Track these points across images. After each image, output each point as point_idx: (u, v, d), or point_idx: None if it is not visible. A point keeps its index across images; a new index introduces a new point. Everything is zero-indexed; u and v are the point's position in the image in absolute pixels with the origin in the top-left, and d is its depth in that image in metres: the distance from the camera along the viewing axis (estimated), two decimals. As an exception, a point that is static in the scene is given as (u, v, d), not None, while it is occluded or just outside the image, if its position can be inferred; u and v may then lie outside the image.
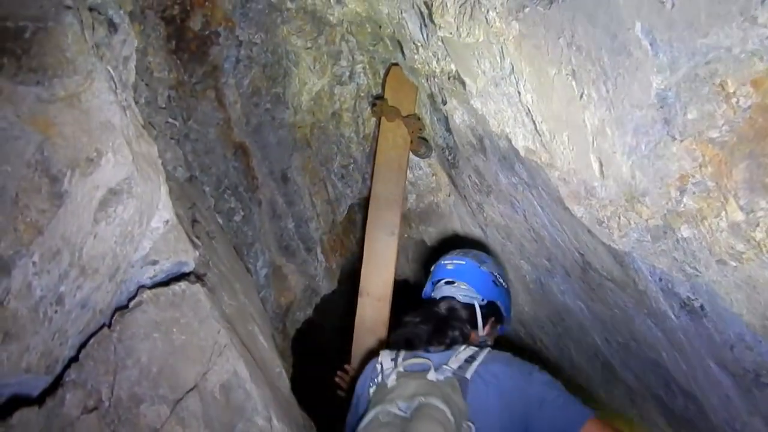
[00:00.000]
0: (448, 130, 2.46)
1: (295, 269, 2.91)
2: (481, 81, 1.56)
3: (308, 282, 3.04)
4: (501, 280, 2.08)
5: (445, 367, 1.71)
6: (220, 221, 2.42)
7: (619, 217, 1.39)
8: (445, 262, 2.10)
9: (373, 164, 2.51)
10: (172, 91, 2.05)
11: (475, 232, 2.70)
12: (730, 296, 1.27)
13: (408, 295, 2.80)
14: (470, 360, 1.72)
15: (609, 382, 2.34)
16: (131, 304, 1.48)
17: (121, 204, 1.26)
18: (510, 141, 1.62)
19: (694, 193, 1.08)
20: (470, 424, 1.56)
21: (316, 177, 2.81)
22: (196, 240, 1.79)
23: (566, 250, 2.03)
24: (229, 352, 1.51)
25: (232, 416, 1.44)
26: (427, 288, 2.16)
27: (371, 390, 1.79)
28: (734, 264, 1.16)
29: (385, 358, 1.85)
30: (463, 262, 2.06)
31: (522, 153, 1.59)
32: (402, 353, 1.83)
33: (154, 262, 1.53)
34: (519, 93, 1.41)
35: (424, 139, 2.52)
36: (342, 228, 3.28)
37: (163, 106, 1.96)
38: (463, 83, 1.72)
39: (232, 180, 2.52)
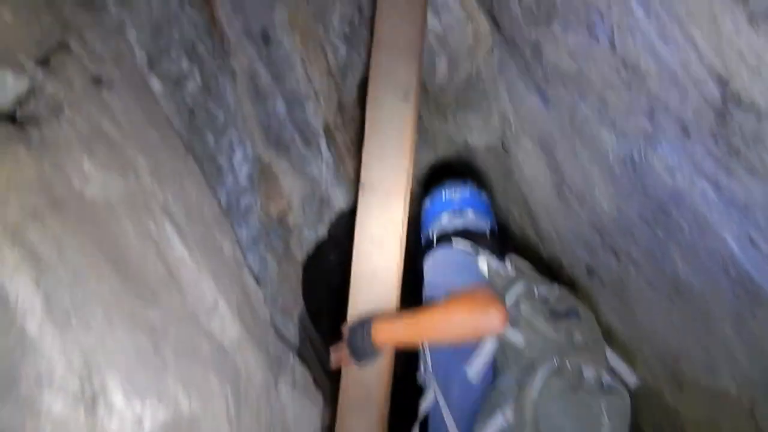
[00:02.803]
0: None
1: (290, 168, 2.08)
2: None
3: (310, 187, 2.21)
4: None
5: None
6: (158, 86, 1.60)
7: None
8: (447, 193, 2.08)
9: (375, -7, 1.61)
10: None
11: (530, 101, 1.77)
12: None
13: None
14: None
15: (744, 320, 1.42)
16: None
17: None
18: None
19: None
20: None
21: (309, 37, 1.94)
22: (30, 67, 0.98)
23: (690, 82, 1.11)
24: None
25: None
26: (428, 221, 2.09)
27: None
28: None
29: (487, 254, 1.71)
30: (467, 192, 2.07)
31: None
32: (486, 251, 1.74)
33: None
34: None
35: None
36: (358, 117, 2.41)
37: None
38: None
39: (185, 34, 1.69)
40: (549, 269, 2.51)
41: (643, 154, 1.41)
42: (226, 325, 1.20)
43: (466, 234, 1.88)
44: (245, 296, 1.48)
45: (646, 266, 1.72)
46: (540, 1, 1.38)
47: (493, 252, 1.77)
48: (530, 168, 2.08)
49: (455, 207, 1.99)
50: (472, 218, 1.96)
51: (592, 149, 1.59)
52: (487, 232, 1.97)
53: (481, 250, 1.72)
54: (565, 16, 1.33)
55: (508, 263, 1.66)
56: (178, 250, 1.18)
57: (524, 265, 1.70)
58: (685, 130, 1.22)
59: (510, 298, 1.47)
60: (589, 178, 1.69)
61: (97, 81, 1.22)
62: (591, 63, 1.36)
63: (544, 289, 1.51)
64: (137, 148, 1.20)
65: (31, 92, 1.00)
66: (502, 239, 2.03)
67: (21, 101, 0.97)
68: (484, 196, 2.10)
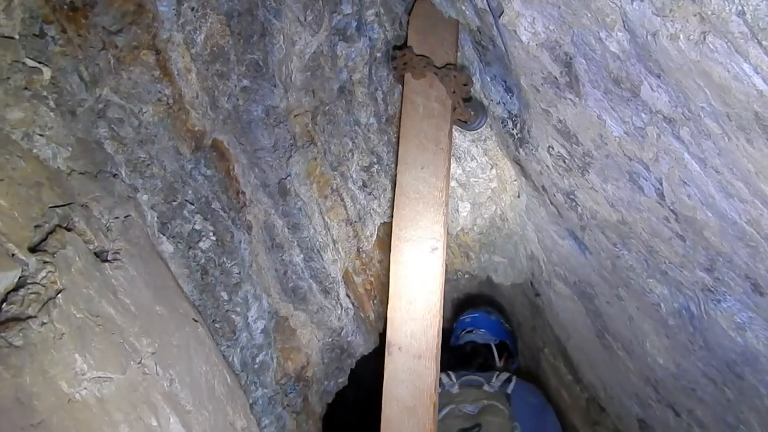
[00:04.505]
0: (509, 90, 1.47)
1: (308, 320, 1.91)
2: None
3: (330, 338, 2.03)
4: (507, 325, 2.54)
5: (493, 382, 2.05)
6: (170, 248, 1.48)
7: None
8: (463, 317, 2.58)
9: (398, 143, 1.54)
10: (51, 26, 1.18)
11: (563, 246, 1.64)
12: None
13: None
14: (508, 381, 2.05)
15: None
16: None
17: None
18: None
19: None
20: (517, 424, 1.85)
21: (327, 187, 1.85)
22: (22, 255, 0.86)
23: (761, 239, 0.96)
24: None
25: None
26: (452, 340, 2.55)
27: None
28: None
29: (442, 375, 2.04)
30: (477, 314, 2.55)
31: None
32: (452, 373, 2.13)
33: None
34: None
35: (470, 99, 1.52)
36: (378, 261, 2.27)
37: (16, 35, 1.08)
38: None
39: (199, 191, 1.60)
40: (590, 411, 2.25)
41: (702, 309, 1.24)
42: None
43: (474, 346, 2.40)
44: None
45: (714, 427, 1.48)
46: (572, 151, 1.28)
47: (487, 364, 2.29)
48: (565, 312, 1.90)
49: (467, 327, 2.50)
50: (481, 333, 2.44)
51: (640, 299, 1.42)
52: (493, 344, 2.39)
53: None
54: (601, 167, 1.22)
55: (456, 386, 2.07)
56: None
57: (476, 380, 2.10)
58: (756, 288, 1.06)
59: (439, 416, 1.83)
60: (637, 328, 1.50)
61: (101, 256, 1.10)
62: (634, 212, 1.23)
63: (472, 407, 1.92)
64: (141, 329, 1.04)
65: (21, 283, 0.87)
66: (506, 349, 2.43)
67: (7, 296, 0.83)
68: (494, 317, 2.55)
